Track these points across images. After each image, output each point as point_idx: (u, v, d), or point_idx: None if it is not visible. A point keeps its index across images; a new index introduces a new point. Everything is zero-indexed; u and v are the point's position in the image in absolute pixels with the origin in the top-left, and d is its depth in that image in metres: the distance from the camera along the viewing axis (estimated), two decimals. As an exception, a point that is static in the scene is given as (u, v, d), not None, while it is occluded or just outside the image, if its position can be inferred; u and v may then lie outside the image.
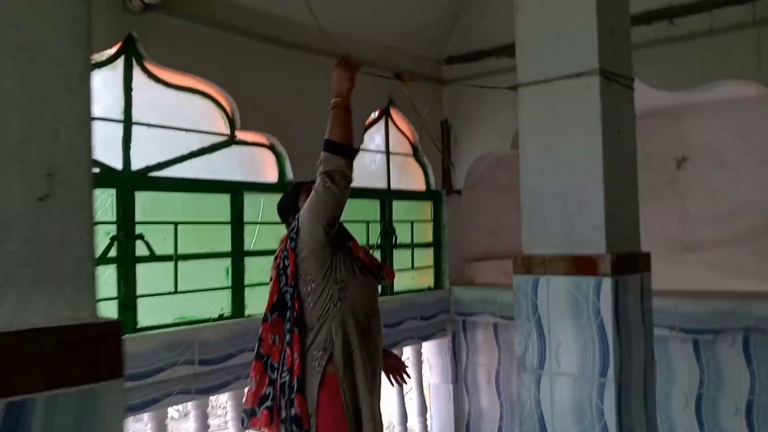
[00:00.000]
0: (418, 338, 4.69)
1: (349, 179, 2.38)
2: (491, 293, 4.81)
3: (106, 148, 3.07)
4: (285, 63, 3.77)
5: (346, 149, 2.36)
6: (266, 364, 2.41)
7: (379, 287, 2.77)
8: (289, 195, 2.74)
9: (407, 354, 4.83)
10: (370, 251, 2.84)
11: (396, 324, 4.44)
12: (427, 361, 5.02)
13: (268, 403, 2.34)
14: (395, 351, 4.55)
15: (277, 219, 2.76)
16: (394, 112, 4.68)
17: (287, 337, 2.35)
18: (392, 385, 2.90)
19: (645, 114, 5.62)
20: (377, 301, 2.63)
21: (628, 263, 2.64)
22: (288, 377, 2.32)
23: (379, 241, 4.50)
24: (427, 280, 4.98)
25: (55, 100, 0.92)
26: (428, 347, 4.97)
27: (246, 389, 2.47)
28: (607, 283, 2.52)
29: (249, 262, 3.56)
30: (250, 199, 3.61)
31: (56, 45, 0.92)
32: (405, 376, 2.86)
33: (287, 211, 2.70)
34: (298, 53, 3.78)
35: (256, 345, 2.44)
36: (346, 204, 2.44)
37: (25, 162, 0.89)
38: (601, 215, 2.56)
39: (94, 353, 0.91)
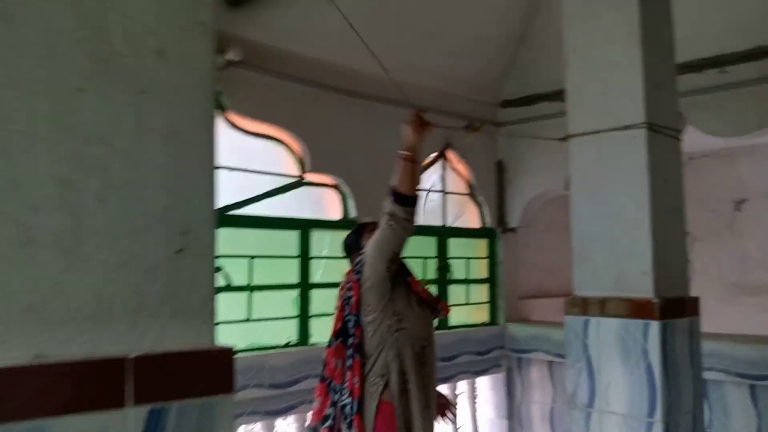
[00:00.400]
0: (473, 373, 4.82)
1: (412, 223, 2.55)
2: (546, 331, 4.90)
3: (191, 189, 3.42)
4: (350, 110, 4.07)
5: (412, 200, 2.51)
6: (329, 386, 2.62)
7: (435, 320, 2.94)
8: (354, 234, 2.92)
9: (462, 388, 4.95)
10: (427, 286, 3.01)
11: (451, 358, 4.60)
12: (482, 395, 5.13)
13: (329, 422, 2.54)
14: (450, 384, 4.70)
15: (341, 254, 3.00)
16: (450, 154, 4.91)
17: (348, 362, 2.56)
18: (441, 422, 3.03)
19: (702, 155, 5.67)
20: (432, 333, 2.79)
21: (677, 308, 2.75)
22: (348, 400, 2.52)
23: (436, 276, 4.69)
24: (482, 315, 5.12)
25: (190, 176, 1.19)
26: (483, 382, 5.09)
27: (312, 408, 2.69)
28: (655, 327, 2.63)
29: (314, 294, 3.82)
30: (316, 236, 3.90)
31: (193, 133, 1.20)
32: (452, 415, 2.99)
33: (351, 249, 2.91)
34: (362, 101, 4.08)
35: (322, 367, 2.67)
36: (406, 243, 2.65)
37: (168, 224, 1.16)
38: (649, 261, 2.70)
39: (212, 373, 1.15)
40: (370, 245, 2.59)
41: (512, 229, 5.29)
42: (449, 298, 4.77)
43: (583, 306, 2.87)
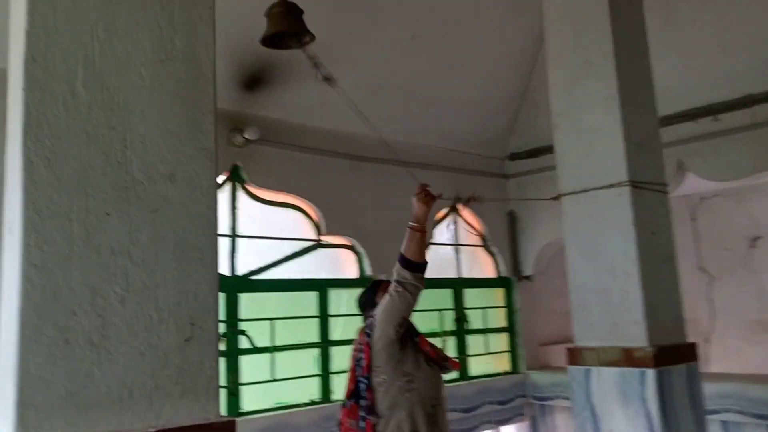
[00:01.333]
0: (496, 423, 4.91)
1: (419, 289, 2.68)
2: (568, 377, 4.96)
3: (215, 258, 3.70)
4: (361, 174, 4.35)
5: (419, 266, 2.65)
6: None
7: (443, 377, 3.07)
8: (368, 291, 3.03)
9: (486, 438, 5.03)
10: (437, 344, 3.13)
11: (473, 409, 4.71)
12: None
13: None
14: (472, 435, 4.79)
15: (356, 311, 3.15)
16: (461, 208, 5.13)
17: (361, 424, 2.72)
18: None
19: (713, 195, 5.77)
20: (442, 390, 2.92)
21: (672, 354, 2.88)
22: None
23: (454, 327, 4.85)
24: (502, 364, 5.24)
25: (195, 276, 1.44)
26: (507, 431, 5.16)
27: None
28: (650, 375, 2.77)
29: (335, 351, 4.03)
30: (334, 294, 4.13)
31: (198, 240, 1.46)
32: None
33: (366, 306, 3.07)
34: (372, 165, 4.35)
35: (338, 428, 2.84)
36: (414, 307, 2.80)
37: (178, 316, 1.40)
38: (640, 311, 2.85)
39: (218, 442, 1.38)
40: (380, 311, 2.71)
41: (528, 277, 5.44)
42: (468, 348, 4.91)
43: (583, 356, 3.02)
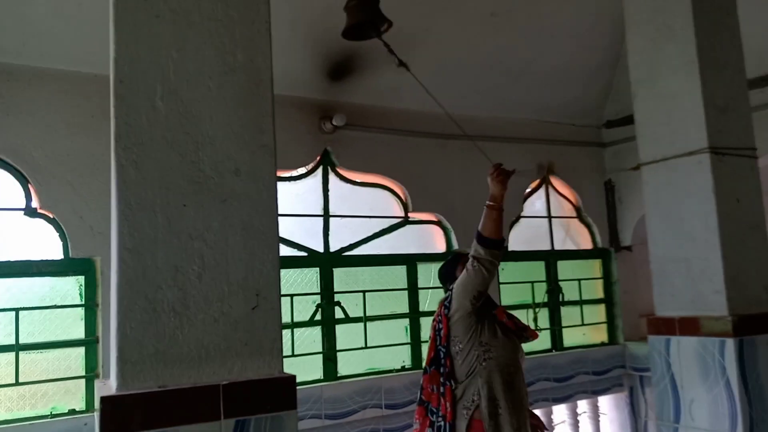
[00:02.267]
0: (592, 393, 4.91)
1: (495, 265, 2.77)
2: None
3: (311, 236, 4.03)
4: (446, 152, 4.47)
5: (495, 243, 2.74)
6: (427, 408, 2.98)
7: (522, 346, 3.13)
8: (449, 264, 3.16)
9: (584, 408, 5.05)
10: (526, 315, 3.12)
11: (566, 378, 4.75)
12: (606, 415, 5.18)
13: None
14: (570, 404, 4.83)
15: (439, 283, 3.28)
16: (554, 179, 5.10)
17: (441, 389, 2.90)
18: None
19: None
20: (518, 359, 2.95)
21: (756, 324, 2.80)
22: (442, 422, 2.87)
23: (545, 299, 4.89)
24: (599, 335, 5.20)
25: (260, 255, 1.69)
26: (606, 401, 5.14)
27: (413, 430, 3.08)
28: (730, 344, 2.73)
29: (424, 321, 4.24)
30: (422, 268, 4.33)
31: (261, 225, 1.70)
32: None
33: (446, 279, 3.23)
34: (456, 142, 4.46)
35: (419, 392, 3.05)
36: (491, 282, 2.84)
37: (246, 289, 1.66)
38: (721, 280, 2.80)
39: (279, 394, 1.63)
40: (457, 284, 2.84)
41: (627, 247, 5.32)
42: (561, 320, 4.93)
43: (664, 325, 3.01)
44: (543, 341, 4.87)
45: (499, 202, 2.75)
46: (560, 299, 4.99)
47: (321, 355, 3.91)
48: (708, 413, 2.78)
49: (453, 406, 2.81)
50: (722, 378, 2.73)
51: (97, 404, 1.48)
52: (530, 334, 2.97)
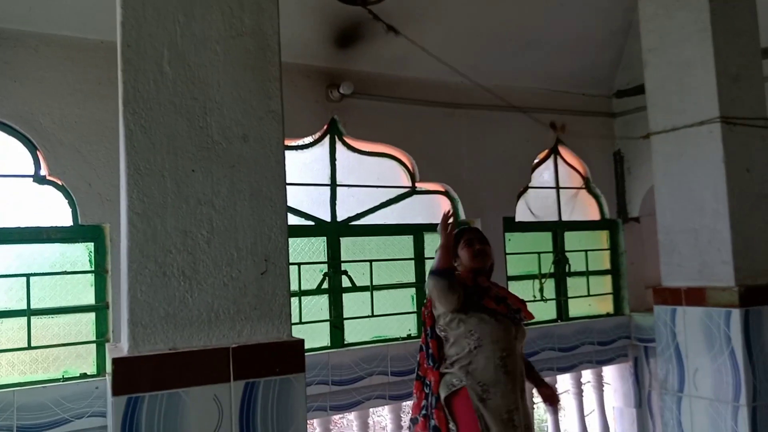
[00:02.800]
0: (597, 363, 4.94)
1: (445, 289, 2.75)
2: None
3: (318, 205, 4.03)
4: (453, 121, 4.44)
5: (442, 272, 2.77)
6: (423, 382, 3.02)
7: (515, 329, 2.96)
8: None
9: (588, 377, 5.09)
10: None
11: (571, 348, 4.78)
12: (610, 385, 5.23)
13: (424, 412, 2.95)
14: (574, 373, 4.88)
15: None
16: (562, 149, 5.07)
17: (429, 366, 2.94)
18: (548, 411, 3.20)
19: None
20: (512, 341, 2.89)
21: (762, 294, 2.81)
22: (432, 396, 2.91)
23: (552, 270, 4.90)
24: (605, 306, 5.21)
25: (268, 221, 1.70)
26: (610, 371, 5.18)
27: (411, 402, 3.11)
28: (736, 314, 2.74)
29: (431, 292, 4.27)
30: (429, 238, 4.34)
31: (269, 191, 1.71)
32: (558, 404, 3.16)
33: None
34: (464, 112, 4.43)
35: (416, 367, 3.06)
36: (452, 297, 2.78)
37: (255, 254, 1.68)
38: (728, 250, 2.80)
39: (288, 357, 1.65)
40: (431, 287, 2.84)
41: (635, 219, 5.30)
42: (567, 290, 4.95)
43: (670, 296, 3.02)
44: (549, 311, 4.90)
45: (444, 241, 2.86)
46: (567, 270, 5.00)
47: (328, 323, 3.95)
48: (712, 382, 2.81)
49: (439, 380, 2.86)
50: (727, 348, 2.75)
51: (108, 367, 1.51)
52: (525, 315, 2.96)
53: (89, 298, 3.21)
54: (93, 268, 3.22)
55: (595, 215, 5.26)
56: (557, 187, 5.08)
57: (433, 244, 4.38)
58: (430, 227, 4.38)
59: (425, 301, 2.97)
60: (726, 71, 2.88)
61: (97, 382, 3.08)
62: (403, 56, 4.11)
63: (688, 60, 2.96)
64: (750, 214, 2.85)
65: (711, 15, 2.88)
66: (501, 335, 2.82)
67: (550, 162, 5.05)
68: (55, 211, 3.19)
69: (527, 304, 2.98)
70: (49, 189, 3.19)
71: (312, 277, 3.95)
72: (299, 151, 3.98)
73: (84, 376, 3.14)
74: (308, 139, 4.01)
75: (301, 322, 3.78)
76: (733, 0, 2.98)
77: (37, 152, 3.15)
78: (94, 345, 3.19)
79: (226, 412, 1.58)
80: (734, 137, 2.85)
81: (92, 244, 3.22)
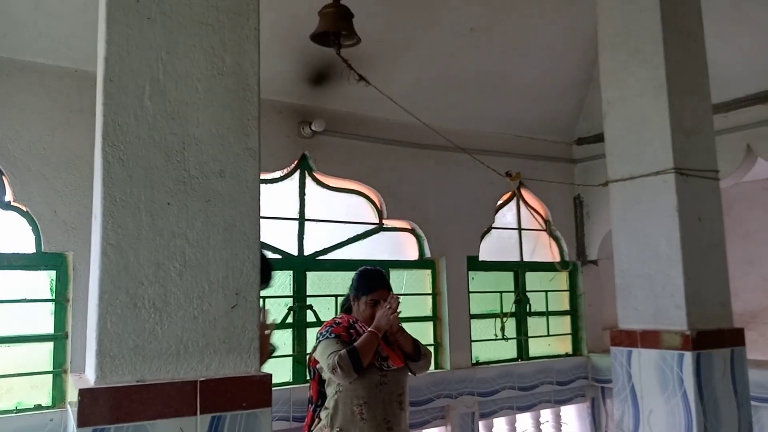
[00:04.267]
0: (555, 402, 5.02)
1: (352, 371, 2.86)
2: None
3: (286, 239, 4.05)
4: (420, 161, 4.56)
5: (359, 364, 2.87)
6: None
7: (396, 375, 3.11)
8: (346, 302, 3.33)
9: (547, 417, 5.15)
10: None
11: (531, 387, 4.85)
12: (568, 424, 5.29)
13: None
14: (533, 413, 4.92)
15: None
16: (525, 192, 5.22)
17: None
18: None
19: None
20: (373, 389, 2.98)
21: (713, 339, 2.93)
22: None
23: (513, 309, 4.99)
24: (564, 347, 5.32)
25: (241, 255, 1.73)
26: (568, 411, 5.26)
27: None
28: (688, 357, 2.84)
29: (394, 328, 4.29)
30: (395, 275, 4.39)
31: (243, 225, 1.74)
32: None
33: (343, 307, 3.36)
34: (430, 152, 4.55)
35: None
36: (352, 376, 2.89)
37: (226, 288, 1.70)
38: (681, 295, 2.92)
39: (255, 392, 1.66)
40: (320, 351, 3.01)
41: (593, 261, 5.46)
42: (528, 330, 5.04)
43: (626, 338, 3.12)
44: (509, 350, 4.97)
45: (381, 333, 3.00)
46: (527, 310, 5.10)
47: (291, 358, 3.94)
48: (665, 423, 2.89)
49: (310, 425, 3.06)
50: (680, 390, 2.85)
51: (74, 398, 1.50)
52: (393, 363, 3.08)
53: (48, 327, 3.14)
54: (54, 297, 3.16)
55: (555, 257, 5.40)
56: (519, 228, 5.21)
57: (398, 281, 4.43)
58: (396, 264, 4.44)
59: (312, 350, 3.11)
60: (680, 125, 3.04)
61: (51, 413, 3.00)
62: (375, 97, 4.20)
63: (645, 114, 3.13)
64: (701, 261, 2.99)
65: (666, 73, 3.05)
66: (364, 385, 2.94)
67: (513, 204, 5.19)
68: (18, 237, 3.14)
69: (403, 352, 3.12)
70: (13, 215, 3.15)
71: (276, 311, 3.94)
72: (269, 184, 4.02)
73: (38, 407, 3.05)
74: (278, 173, 4.05)
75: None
76: (686, 59, 3.17)
77: (3, 177, 3.12)
78: (51, 376, 3.12)
79: (192, 446, 1.57)
80: (687, 187, 3.00)
81: (54, 272, 3.18)
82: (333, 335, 3.02)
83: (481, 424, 4.56)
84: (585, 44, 4.80)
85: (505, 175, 4.03)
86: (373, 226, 4.39)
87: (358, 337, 2.99)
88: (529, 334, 5.06)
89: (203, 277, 1.68)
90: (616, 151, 3.28)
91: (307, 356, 3.25)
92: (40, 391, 3.09)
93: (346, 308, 3.28)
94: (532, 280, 5.18)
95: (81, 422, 1.44)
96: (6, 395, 3.03)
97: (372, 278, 3.21)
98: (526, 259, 5.18)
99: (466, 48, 4.43)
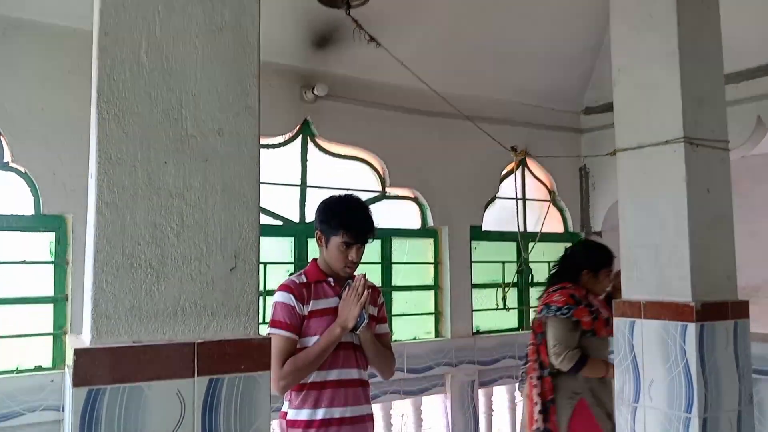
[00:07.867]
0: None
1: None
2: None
3: (287, 206, 4.02)
4: (425, 129, 4.49)
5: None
6: None
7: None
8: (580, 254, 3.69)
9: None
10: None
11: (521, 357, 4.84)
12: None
13: None
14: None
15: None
16: (530, 162, 5.16)
17: None
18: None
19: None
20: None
21: (717, 310, 2.90)
22: None
23: (515, 279, 4.97)
24: (566, 316, 5.31)
25: (239, 216, 1.69)
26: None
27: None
28: (691, 329, 2.82)
29: (395, 296, 4.29)
30: (397, 243, 4.36)
31: (242, 186, 1.70)
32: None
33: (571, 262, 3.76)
34: (436, 120, 4.47)
35: None
36: None
37: (224, 250, 1.66)
38: (687, 267, 2.88)
39: (254, 355, 1.64)
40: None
41: (598, 233, 5.42)
42: (529, 299, 5.03)
43: (629, 308, 3.09)
44: (510, 320, 4.97)
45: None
46: (529, 280, 5.08)
47: (291, 324, 3.93)
48: (666, 394, 2.88)
49: None
50: (682, 361, 2.83)
51: (69, 358, 1.48)
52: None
53: (48, 290, 3.13)
54: (54, 259, 3.15)
55: (559, 228, 5.36)
56: (524, 199, 5.16)
57: (400, 249, 4.40)
58: (399, 232, 4.40)
59: None
60: (691, 94, 2.96)
61: (52, 375, 3.01)
62: (379, 61, 4.12)
63: (655, 81, 3.05)
64: (708, 232, 2.94)
65: (679, 39, 2.96)
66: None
67: (518, 173, 5.13)
68: (17, 198, 3.11)
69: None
70: (12, 176, 3.11)
71: (277, 278, 3.93)
72: (270, 149, 3.96)
73: (39, 368, 3.06)
74: (280, 139, 4.00)
75: (264, 322, 3.75)
76: (700, 26, 3.08)
77: (1, 137, 3.07)
78: (51, 337, 3.12)
79: (189, 407, 1.56)
80: (696, 157, 2.94)
81: (54, 234, 3.15)
82: None
83: (480, 392, 4.58)
84: (595, 11, 4.68)
85: (510, 150, 3.96)
86: (375, 194, 4.35)
87: None
88: (531, 305, 5.05)
89: (201, 238, 1.64)
90: (625, 119, 3.21)
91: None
92: (41, 353, 3.10)
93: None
94: (536, 250, 5.14)
95: (76, 382, 1.42)
96: (8, 356, 3.04)
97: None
98: (530, 229, 5.14)
99: (474, 12, 4.32)
